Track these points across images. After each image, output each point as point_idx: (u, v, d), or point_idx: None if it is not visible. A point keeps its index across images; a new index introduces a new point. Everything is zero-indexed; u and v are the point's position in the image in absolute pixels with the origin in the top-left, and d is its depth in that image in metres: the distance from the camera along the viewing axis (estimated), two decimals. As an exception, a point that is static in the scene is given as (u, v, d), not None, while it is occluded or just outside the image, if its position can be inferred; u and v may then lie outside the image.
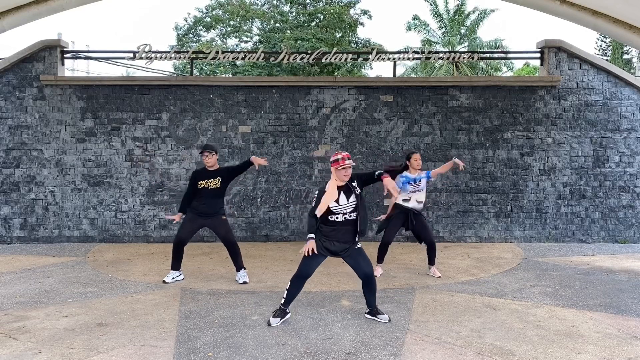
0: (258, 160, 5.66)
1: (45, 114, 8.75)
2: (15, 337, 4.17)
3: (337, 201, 4.33)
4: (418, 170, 6.16)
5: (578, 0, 7.35)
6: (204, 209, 5.84)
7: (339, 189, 4.37)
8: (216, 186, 5.82)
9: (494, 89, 8.92)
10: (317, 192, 4.45)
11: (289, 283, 4.51)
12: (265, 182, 8.89)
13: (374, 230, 8.77)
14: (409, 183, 6.09)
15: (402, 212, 6.14)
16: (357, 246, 4.48)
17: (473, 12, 29.14)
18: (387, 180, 4.32)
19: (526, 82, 9.11)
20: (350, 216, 4.37)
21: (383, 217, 6.39)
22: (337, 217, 4.35)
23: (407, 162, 6.17)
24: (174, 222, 5.94)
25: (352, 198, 4.36)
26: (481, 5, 37.09)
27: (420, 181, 6.11)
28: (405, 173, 6.14)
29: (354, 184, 4.40)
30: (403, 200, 6.12)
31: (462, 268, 6.78)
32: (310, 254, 4.28)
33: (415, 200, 6.11)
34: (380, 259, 6.32)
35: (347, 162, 4.31)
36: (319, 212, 4.31)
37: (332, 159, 4.40)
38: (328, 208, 4.33)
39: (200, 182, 5.81)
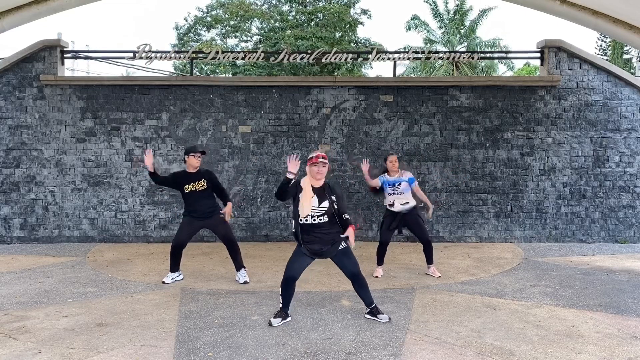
0: (228, 211, 5.82)
1: (45, 114, 8.75)
2: (15, 337, 4.17)
3: (310, 203, 4.32)
4: (397, 172, 6.16)
5: (578, 0, 7.34)
6: (198, 213, 5.80)
7: (314, 190, 4.36)
8: (203, 187, 5.79)
9: (494, 89, 8.92)
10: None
11: (280, 288, 4.52)
12: (265, 182, 8.89)
13: (375, 230, 8.78)
14: (388, 185, 6.12)
15: (392, 214, 6.15)
16: (342, 247, 4.45)
17: (469, 10, 29.11)
18: (350, 231, 4.25)
19: (526, 82, 9.11)
20: (320, 219, 4.34)
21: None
22: (306, 220, 4.34)
23: (384, 164, 6.22)
24: (143, 165, 5.86)
25: (325, 204, 4.34)
26: (480, 4, 37.10)
27: (399, 184, 6.09)
28: (384, 175, 6.18)
29: (333, 198, 4.36)
30: (388, 205, 6.16)
31: (462, 268, 6.78)
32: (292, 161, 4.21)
33: (399, 203, 6.08)
34: (380, 261, 6.32)
35: (320, 160, 4.32)
36: (303, 210, 4.30)
37: (309, 157, 4.43)
38: (298, 210, 4.33)
39: (186, 185, 5.76)
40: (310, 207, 4.31)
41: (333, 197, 4.39)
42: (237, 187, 8.83)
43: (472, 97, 8.90)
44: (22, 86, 8.73)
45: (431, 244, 6.27)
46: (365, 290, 4.56)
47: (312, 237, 4.37)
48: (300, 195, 4.36)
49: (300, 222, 4.36)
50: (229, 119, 8.89)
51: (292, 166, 4.23)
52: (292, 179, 4.25)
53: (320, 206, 4.34)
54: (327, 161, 4.39)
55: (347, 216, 4.39)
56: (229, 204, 5.87)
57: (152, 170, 5.71)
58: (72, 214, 8.78)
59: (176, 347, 3.94)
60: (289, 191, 4.33)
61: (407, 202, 6.11)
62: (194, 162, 5.80)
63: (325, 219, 4.36)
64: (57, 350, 3.88)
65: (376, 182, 6.19)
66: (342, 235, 4.37)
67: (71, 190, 8.78)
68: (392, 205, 6.11)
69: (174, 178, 5.91)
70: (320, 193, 4.37)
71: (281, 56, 9.05)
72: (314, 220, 4.34)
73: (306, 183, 4.39)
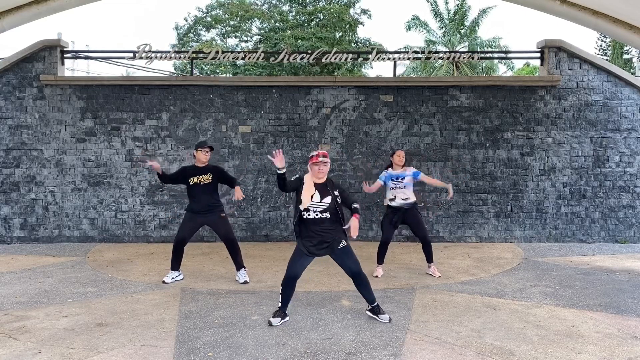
0: (239, 193, 5.77)
1: (45, 113, 8.75)
2: (15, 337, 4.17)
3: (310, 197, 4.35)
4: (401, 167, 6.21)
5: (578, 0, 7.34)
6: (200, 207, 5.84)
7: (316, 186, 4.39)
8: (208, 181, 5.84)
9: (494, 89, 8.92)
10: (295, 176, 4.54)
11: (281, 287, 4.53)
12: (265, 182, 8.89)
13: (375, 230, 8.78)
14: (391, 179, 6.16)
15: (393, 210, 6.17)
16: (342, 245, 4.45)
17: (468, 10, 29.10)
18: (353, 220, 4.31)
19: (526, 82, 9.11)
20: (323, 215, 4.36)
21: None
22: (308, 215, 4.36)
23: (391, 158, 6.28)
24: (151, 167, 5.85)
25: (327, 200, 4.36)
26: (480, 3, 37.09)
27: (403, 178, 6.14)
28: (388, 170, 6.24)
29: (336, 193, 4.41)
30: (389, 199, 6.18)
31: (462, 268, 6.78)
32: (276, 158, 4.21)
33: (400, 198, 6.12)
34: (380, 260, 6.32)
35: (320, 159, 4.34)
36: (302, 202, 4.32)
37: (310, 155, 4.47)
38: (299, 204, 4.35)
39: (192, 178, 5.84)
40: (309, 201, 4.32)
41: (336, 192, 4.43)
42: (237, 187, 8.83)
43: (472, 97, 8.90)
44: (22, 86, 8.73)
45: (429, 242, 6.29)
46: (367, 288, 4.56)
47: (311, 233, 4.38)
48: (302, 188, 4.38)
49: (303, 217, 4.37)
50: (229, 119, 8.89)
51: (278, 162, 4.23)
52: (283, 173, 4.26)
53: (323, 201, 4.35)
54: (327, 159, 4.41)
55: (356, 205, 4.43)
56: (237, 187, 5.83)
57: (161, 173, 5.83)
58: (72, 214, 8.78)
59: (176, 347, 3.94)
60: (287, 184, 4.39)
61: (408, 198, 6.15)
62: (201, 157, 5.87)
63: (327, 215, 4.37)
64: (57, 350, 3.88)
65: (378, 185, 6.24)
66: (344, 227, 4.39)
67: (71, 190, 8.78)
68: (393, 199, 6.14)
69: (182, 171, 5.99)
70: (323, 189, 4.39)
71: (281, 56, 9.05)
72: (316, 215, 4.35)
73: (308, 178, 4.43)
